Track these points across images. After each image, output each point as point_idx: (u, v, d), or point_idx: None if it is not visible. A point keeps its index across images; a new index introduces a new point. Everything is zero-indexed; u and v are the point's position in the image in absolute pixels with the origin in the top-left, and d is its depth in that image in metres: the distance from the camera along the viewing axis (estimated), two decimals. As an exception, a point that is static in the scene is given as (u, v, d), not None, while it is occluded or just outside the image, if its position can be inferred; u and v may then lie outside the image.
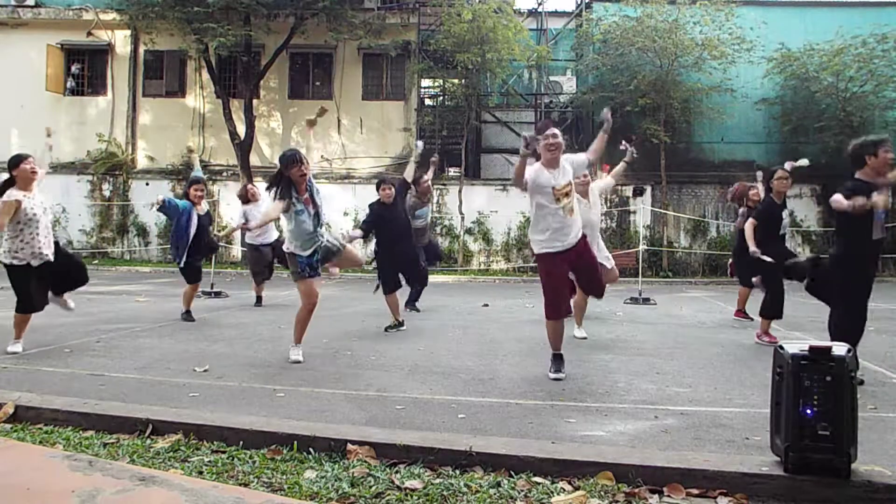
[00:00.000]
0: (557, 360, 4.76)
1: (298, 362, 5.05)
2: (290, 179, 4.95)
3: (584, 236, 4.87)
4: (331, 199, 5.14)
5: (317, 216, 5.11)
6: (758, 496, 2.57)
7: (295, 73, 18.44)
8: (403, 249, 7.00)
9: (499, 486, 2.62)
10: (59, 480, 2.41)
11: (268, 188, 5.06)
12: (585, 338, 6.27)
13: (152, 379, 4.44)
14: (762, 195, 7.16)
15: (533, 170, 4.86)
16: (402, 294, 7.35)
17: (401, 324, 6.79)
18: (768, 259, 6.01)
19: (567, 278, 4.93)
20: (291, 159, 4.93)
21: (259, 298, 8.95)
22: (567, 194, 4.74)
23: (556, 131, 4.77)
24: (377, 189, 7.00)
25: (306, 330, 5.28)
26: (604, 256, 6.43)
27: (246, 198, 9.07)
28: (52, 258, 5.30)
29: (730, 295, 11.56)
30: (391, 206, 6.88)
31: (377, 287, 7.01)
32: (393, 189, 6.90)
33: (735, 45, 15.83)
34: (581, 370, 4.86)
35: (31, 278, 5.20)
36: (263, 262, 8.94)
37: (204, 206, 7.62)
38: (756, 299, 6.84)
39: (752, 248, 6.18)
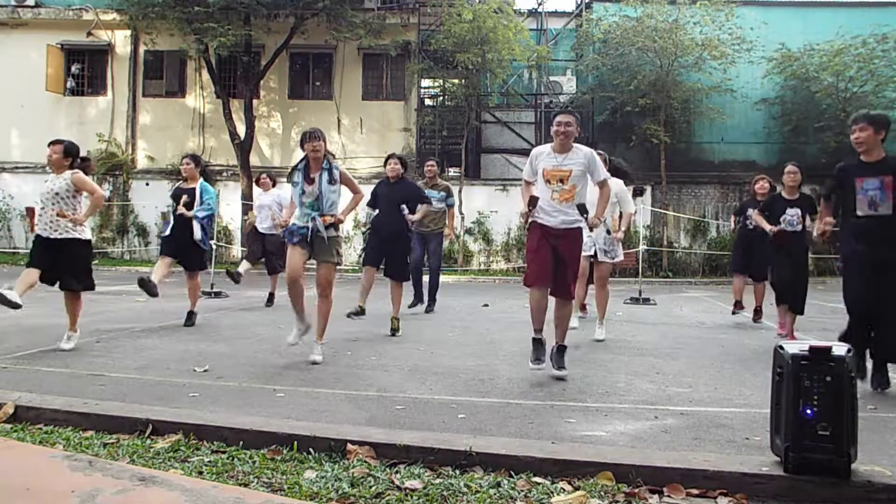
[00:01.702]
0: (535, 345, 4.65)
1: (315, 363, 5.01)
2: (306, 156, 5.20)
3: (575, 231, 4.68)
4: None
5: (316, 200, 5.14)
6: (758, 496, 2.57)
7: (295, 73, 18.46)
8: (393, 236, 6.74)
9: (499, 486, 2.62)
10: (59, 480, 2.41)
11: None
12: (603, 339, 6.17)
13: (152, 379, 4.44)
14: (767, 188, 7.26)
15: (538, 149, 4.83)
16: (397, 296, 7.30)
17: (361, 311, 6.52)
18: (773, 228, 6.11)
19: (550, 255, 4.65)
20: (306, 136, 5.18)
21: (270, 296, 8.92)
22: (562, 180, 4.63)
23: (569, 119, 4.68)
24: (384, 164, 7.06)
25: (324, 324, 5.24)
26: (601, 249, 6.31)
27: (258, 184, 9.21)
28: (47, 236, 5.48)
29: (729, 295, 11.55)
30: (394, 184, 6.91)
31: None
32: (400, 165, 6.92)
33: (735, 46, 15.84)
34: (581, 370, 4.86)
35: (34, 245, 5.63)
36: (258, 247, 8.93)
37: (194, 184, 7.16)
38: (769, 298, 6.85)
39: (767, 227, 6.19)
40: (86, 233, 5.65)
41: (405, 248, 6.95)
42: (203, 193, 7.16)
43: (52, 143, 5.62)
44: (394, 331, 6.48)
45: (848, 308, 4.52)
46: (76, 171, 5.59)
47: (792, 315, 6.21)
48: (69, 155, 5.59)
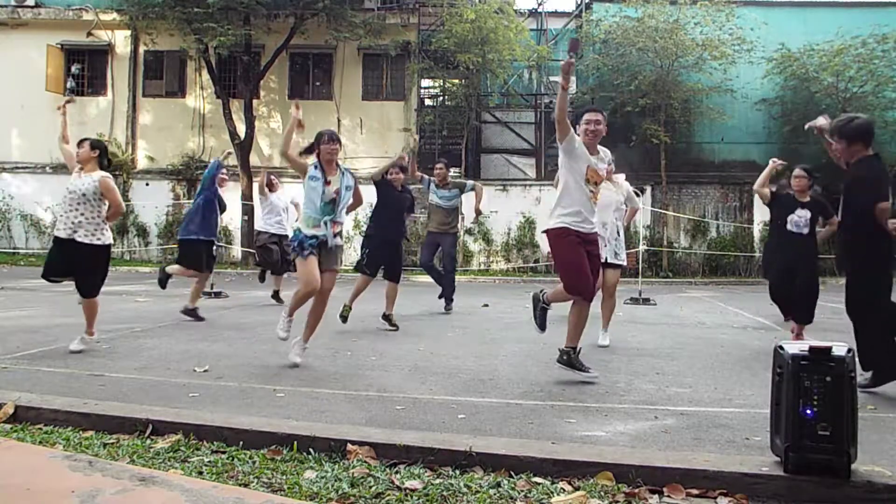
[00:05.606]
0: (577, 359, 4.47)
1: (296, 365, 4.85)
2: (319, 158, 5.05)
3: (595, 234, 4.66)
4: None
5: (332, 203, 4.94)
6: (758, 496, 2.57)
7: (295, 73, 18.45)
8: (398, 238, 7.08)
9: (499, 486, 2.62)
10: (59, 480, 2.41)
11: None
12: (608, 345, 5.91)
13: (152, 379, 4.44)
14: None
15: (577, 138, 4.56)
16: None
17: (345, 316, 6.71)
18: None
19: (585, 258, 4.49)
20: (323, 137, 5.10)
21: (276, 293, 8.91)
22: (596, 182, 4.56)
23: (600, 117, 4.60)
24: (387, 173, 7.10)
25: (314, 327, 5.05)
26: (612, 251, 6.05)
27: (269, 186, 9.11)
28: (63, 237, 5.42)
29: (729, 295, 11.57)
30: (400, 192, 7.11)
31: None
32: (402, 175, 7.14)
33: (735, 46, 15.85)
34: (581, 370, 4.85)
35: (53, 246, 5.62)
36: (277, 251, 8.88)
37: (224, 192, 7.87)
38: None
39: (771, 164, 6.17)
40: (106, 237, 5.58)
41: (402, 251, 7.25)
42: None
43: (79, 143, 5.64)
44: (387, 318, 6.79)
45: None
46: (106, 175, 5.54)
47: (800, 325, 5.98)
48: (95, 148, 5.61)
